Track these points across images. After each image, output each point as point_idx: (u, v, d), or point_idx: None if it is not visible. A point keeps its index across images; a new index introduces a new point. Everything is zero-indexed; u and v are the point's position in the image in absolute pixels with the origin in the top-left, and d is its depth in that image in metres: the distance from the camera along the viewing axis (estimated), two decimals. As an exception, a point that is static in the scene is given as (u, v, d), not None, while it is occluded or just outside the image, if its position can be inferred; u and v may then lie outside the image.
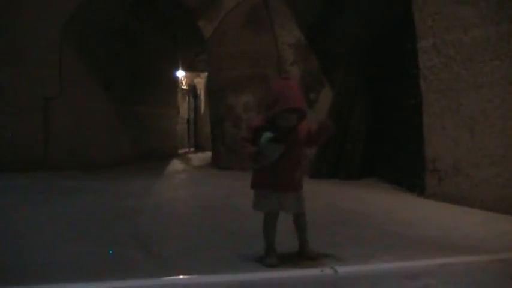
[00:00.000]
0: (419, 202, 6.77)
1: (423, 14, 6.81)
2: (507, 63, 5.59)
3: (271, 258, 3.55)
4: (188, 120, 25.04)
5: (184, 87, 24.60)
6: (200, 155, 19.32)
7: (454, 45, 6.32)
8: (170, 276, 3.30)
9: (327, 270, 3.38)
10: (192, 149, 23.84)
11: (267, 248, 3.63)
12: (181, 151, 20.77)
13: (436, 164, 6.71)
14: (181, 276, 3.29)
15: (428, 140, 6.86)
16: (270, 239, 3.63)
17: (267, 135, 3.27)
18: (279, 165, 3.36)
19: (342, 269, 3.41)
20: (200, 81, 25.43)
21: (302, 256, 3.71)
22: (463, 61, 6.22)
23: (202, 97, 25.62)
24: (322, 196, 7.05)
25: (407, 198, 7.14)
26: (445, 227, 5.06)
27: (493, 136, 5.81)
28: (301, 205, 3.60)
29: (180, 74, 20.98)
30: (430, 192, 6.83)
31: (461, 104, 6.27)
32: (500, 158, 5.71)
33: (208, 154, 14.30)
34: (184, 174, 11.95)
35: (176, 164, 14.83)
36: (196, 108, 26.45)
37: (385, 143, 9.20)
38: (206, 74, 18.79)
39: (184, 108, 24.55)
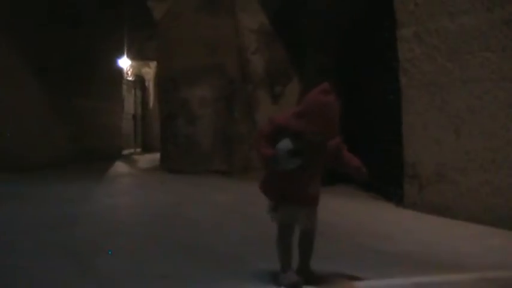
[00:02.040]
0: (397, 213, 6.77)
1: (404, -3, 6.81)
2: (499, 55, 5.59)
3: (290, 276, 3.41)
4: (134, 116, 24.81)
5: (130, 78, 24.36)
6: (148, 156, 19.17)
7: (439, 33, 6.31)
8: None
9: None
10: (139, 150, 23.64)
11: (282, 265, 3.47)
12: (126, 151, 20.57)
13: (416, 169, 6.70)
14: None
15: (408, 141, 6.85)
16: (284, 255, 3.47)
17: (287, 145, 3.21)
18: (293, 175, 3.31)
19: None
20: (149, 71, 25.20)
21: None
22: (448, 52, 6.21)
23: (151, 90, 25.40)
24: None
25: (385, 208, 7.13)
26: (426, 241, 5.04)
27: (482, 138, 5.80)
28: (311, 221, 3.49)
29: (126, 62, 20.75)
30: (410, 201, 6.81)
31: (445, 100, 6.26)
32: (490, 163, 5.71)
33: (158, 155, 14.19)
34: (129, 178, 11.81)
35: (120, 166, 14.67)
36: (144, 103, 26.22)
37: (360, 144, 9.17)
38: (156, 63, 18.59)
39: (130, 102, 24.31)
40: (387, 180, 7.70)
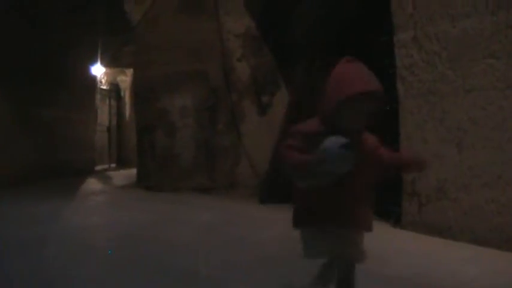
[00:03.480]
0: (394, 233, 6.74)
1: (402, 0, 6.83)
2: (504, 62, 5.60)
3: None
4: (109, 128, 24.71)
5: (105, 86, 24.28)
6: (124, 172, 19.08)
7: (439, 38, 6.32)
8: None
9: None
10: (114, 164, 23.53)
11: None
12: (99, 167, 20.47)
13: (415, 186, 6.68)
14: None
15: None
16: None
17: (335, 139, 2.68)
18: (342, 186, 2.80)
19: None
20: (125, 79, 25.15)
21: None
22: (449, 59, 6.21)
23: (128, 99, 25.34)
24: (275, 225, 6.94)
25: (381, 229, 7.08)
26: (426, 264, 5.03)
27: (486, 151, 5.80)
28: (360, 252, 3.08)
29: (99, 70, 20.68)
30: (409, 220, 6.79)
31: (447, 111, 6.27)
32: (495, 179, 5.70)
33: (134, 171, 14.13)
34: (103, 196, 11.70)
35: (93, 183, 14.58)
36: (120, 113, 26.13)
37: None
38: (132, 70, 18.55)
39: (104, 112, 24.19)
40: (384, 198, 7.69)
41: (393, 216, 7.16)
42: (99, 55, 18.80)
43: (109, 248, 5.85)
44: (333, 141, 2.67)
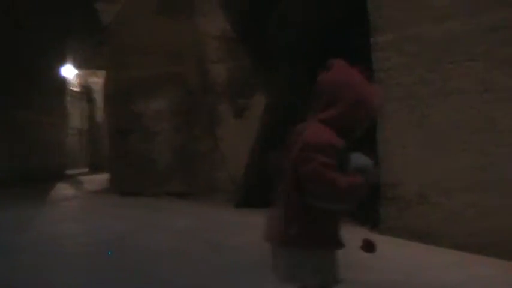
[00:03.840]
0: (374, 238, 6.74)
1: (380, 1, 6.83)
2: (483, 65, 5.66)
3: None
4: (81, 132, 24.55)
5: (76, 88, 24.12)
6: (97, 176, 18.92)
7: (419, 41, 6.35)
8: None
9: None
10: (86, 169, 23.36)
11: None
12: (71, 171, 20.30)
13: (395, 190, 6.68)
14: None
15: (386, 160, 6.80)
16: None
17: (364, 157, 2.63)
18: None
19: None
20: (97, 81, 24.94)
21: None
22: (429, 61, 6.25)
23: (100, 102, 25.18)
24: (250, 231, 6.90)
25: (357, 233, 7.08)
26: (406, 270, 5.05)
27: (466, 156, 5.84)
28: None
29: (71, 71, 20.51)
30: (388, 225, 6.79)
31: (426, 115, 6.29)
32: (476, 183, 5.74)
33: (107, 176, 14.02)
34: (75, 202, 11.58)
35: (64, 188, 14.42)
36: (92, 116, 25.95)
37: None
38: (105, 72, 18.43)
39: (75, 115, 24.03)
40: (363, 202, 7.69)
41: (372, 221, 7.16)
42: (70, 56, 18.64)
43: (83, 256, 5.80)
44: (364, 160, 2.61)
